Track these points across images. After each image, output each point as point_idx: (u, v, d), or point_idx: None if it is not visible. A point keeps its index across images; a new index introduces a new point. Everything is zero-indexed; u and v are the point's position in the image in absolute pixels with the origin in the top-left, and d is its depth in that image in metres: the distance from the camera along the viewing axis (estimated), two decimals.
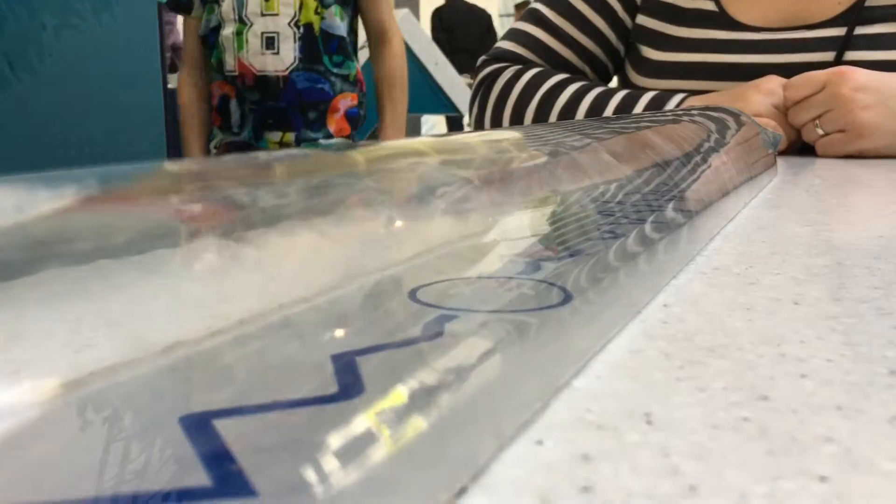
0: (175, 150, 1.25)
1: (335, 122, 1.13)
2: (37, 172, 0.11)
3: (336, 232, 0.15)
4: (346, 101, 1.14)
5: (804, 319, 0.18)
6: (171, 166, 0.14)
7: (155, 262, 0.11)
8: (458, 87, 2.48)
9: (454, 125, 2.34)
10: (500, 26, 4.60)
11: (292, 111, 1.10)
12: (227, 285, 0.12)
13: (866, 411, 0.13)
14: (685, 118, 0.46)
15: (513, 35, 0.87)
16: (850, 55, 0.71)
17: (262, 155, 0.15)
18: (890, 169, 0.58)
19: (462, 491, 0.10)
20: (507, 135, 0.25)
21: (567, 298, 0.16)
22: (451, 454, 0.11)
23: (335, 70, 1.13)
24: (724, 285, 0.21)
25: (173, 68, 1.83)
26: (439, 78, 2.45)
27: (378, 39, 1.18)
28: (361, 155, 0.18)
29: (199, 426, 0.09)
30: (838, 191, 0.47)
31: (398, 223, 0.16)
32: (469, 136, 0.23)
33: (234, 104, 1.12)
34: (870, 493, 0.10)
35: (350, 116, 1.15)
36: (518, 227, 0.20)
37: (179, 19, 1.23)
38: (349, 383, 0.11)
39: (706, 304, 0.19)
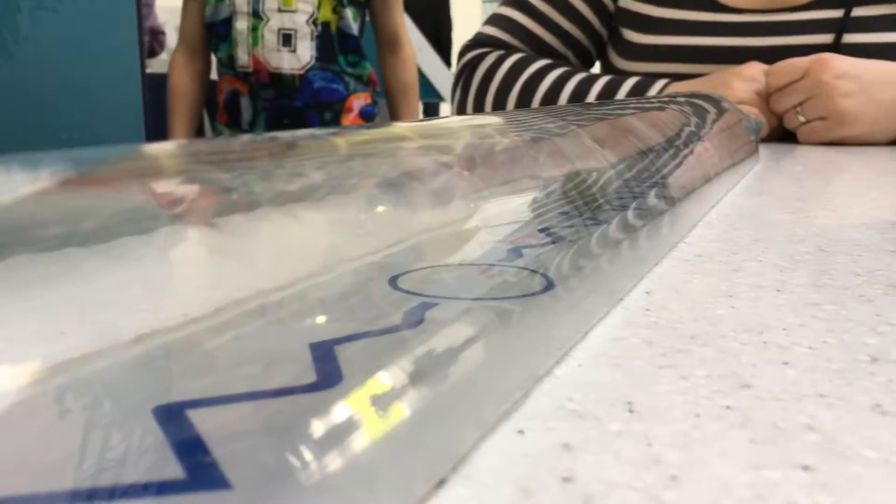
0: (154, 135, 1.23)
1: (349, 122, 1.12)
2: (9, 155, 0.10)
3: (315, 218, 0.14)
4: (360, 101, 1.13)
5: (787, 307, 0.18)
6: (147, 150, 0.13)
7: (128, 248, 0.11)
8: (441, 73, 2.47)
9: (431, 111, 2.33)
10: (483, 12, 4.58)
11: (308, 111, 1.09)
12: (203, 272, 0.12)
13: (849, 399, 0.13)
14: (668, 104, 0.46)
15: (495, 20, 0.87)
16: (848, 38, 0.71)
17: (240, 140, 0.15)
18: (870, 156, 0.59)
19: (442, 482, 0.10)
20: (489, 120, 0.25)
21: (549, 286, 0.16)
22: (431, 444, 0.11)
23: (350, 70, 1.12)
24: (706, 272, 0.21)
25: (151, 53, 1.81)
26: (423, 64, 2.44)
27: (390, 46, 1.17)
28: (342, 140, 0.18)
29: (172, 417, 0.09)
30: (820, 177, 0.47)
31: (378, 209, 0.16)
32: (450, 121, 0.23)
33: (245, 101, 1.11)
34: (853, 482, 0.10)
35: (365, 115, 1.14)
36: (500, 213, 0.19)
37: (157, 2, 1.21)
38: (327, 372, 0.10)
39: (689, 291, 0.19)
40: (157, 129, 1.16)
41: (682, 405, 0.12)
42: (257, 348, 0.11)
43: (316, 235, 0.14)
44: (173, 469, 0.08)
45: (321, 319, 0.12)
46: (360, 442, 0.10)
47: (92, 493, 0.08)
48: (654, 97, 0.52)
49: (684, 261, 0.23)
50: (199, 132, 1.22)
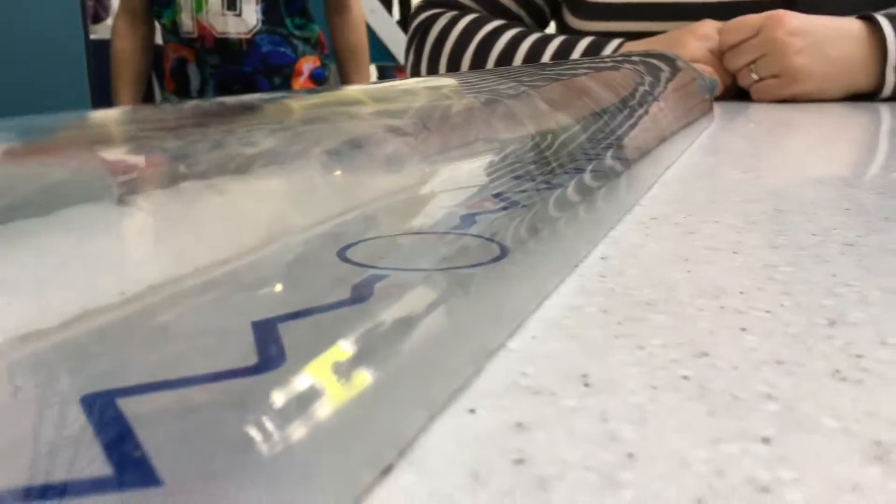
0: (100, 101, 1.20)
1: (299, 85, 1.10)
2: None
3: (261, 187, 0.14)
4: (309, 64, 1.11)
5: (743, 269, 0.18)
6: (89, 117, 0.12)
7: (66, 221, 0.10)
8: (396, 36, 2.43)
9: (386, 75, 2.30)
10: None
11: (257, 76, 1.06)
12: (141, 247, 0.11)
13: (807, 365, 0.12)
14: (621, 64, 0.45)
15: None
16: None
17: (187, 105, 0.14)
18: (822, 113, 0.59)
19: (388, 469, 0.10)
20: (442, 82, 0.24)
21: (503, 253, 0.16)
22: (377, 429, 0.10)
23: (297, 33, 1.09)
24: (662, 236, 0.21)
25: (96, 18, 1.75)
26: (377, 26, 2.40)
27: (337, 7, 1.14)
28: (294, 103, 0.17)
29: (102, 406, 0.08)
30: (774, 135, 0.47)
31: (327, 176, 0.15)
32: (403, 84, 0.22)
33: (192, 68, 1.07)
34: (814, 454, 0.10)
35: (315, 77, 1.12)
36: (452, 179, 0.19)
37: None
38: (270, 353, 0.10)
39: (644, 256, 0.19)
40: (103, 96, 1.13)
41: (637, 377, 0.12)
42: (197, 329, 0.10)
43: (261, 206, 0.13)
44: (100, 465, 0.08)
45: (264, 296, 0.11)
46: (299, 430, 0.09)
47: (7, 495, 0.07)
48: (608, 57, 0.51)
49: (640, 223, 0.22)
50: (147, 99, 1.19)
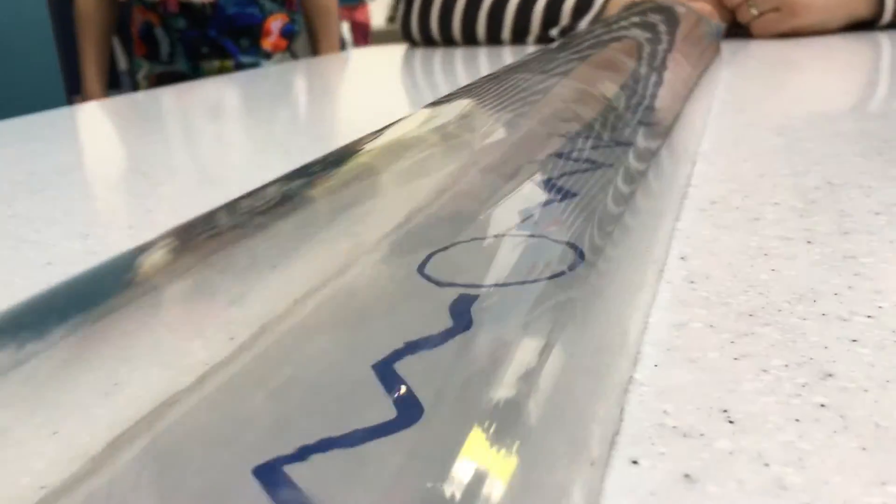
0: (66, 58, 1.17)
1: (270, 44, 1.08)
2: None
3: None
4: (278, 21, 1.08)
5: (824, 263, 0.18)
6: None
7: None
8: None
9: (352, 17, 2.24)
10: None
11: (224, 39, 1.04)
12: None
13: None
14: (629, 28, 0.45)
15: None
16: None
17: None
18: (826, 47, 0.59)
19: None
20: (464, 107, 0.24)
21: (580, 258, 0.16)
22: (547, 494, 0.11)
23: None
24: (729, 225, 0.21)
25: None
26: None
27: None
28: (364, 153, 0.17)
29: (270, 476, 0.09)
30: (791, 81, 0.47)
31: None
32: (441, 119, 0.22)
33: (160, 32, 1.05)
34: None
35: (287, 34, 1.10)
36: (512, 192, 0.19)
37: None
38: (405, 406, 0.10)
39: (721, 251, 0.19)
40: (70, 54, 1.10)
41: (776, 408, 0.12)
42: (322, 380, 0.10)
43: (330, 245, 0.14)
44: None
45: (366, 328, 0.12)
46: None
47: None
48: (614, 22, 0.51)
49: (702, 211, 0.23)
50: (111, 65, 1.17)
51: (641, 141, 0.25)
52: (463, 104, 0.21)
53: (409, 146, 0.18)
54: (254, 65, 1.06)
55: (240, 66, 1.06)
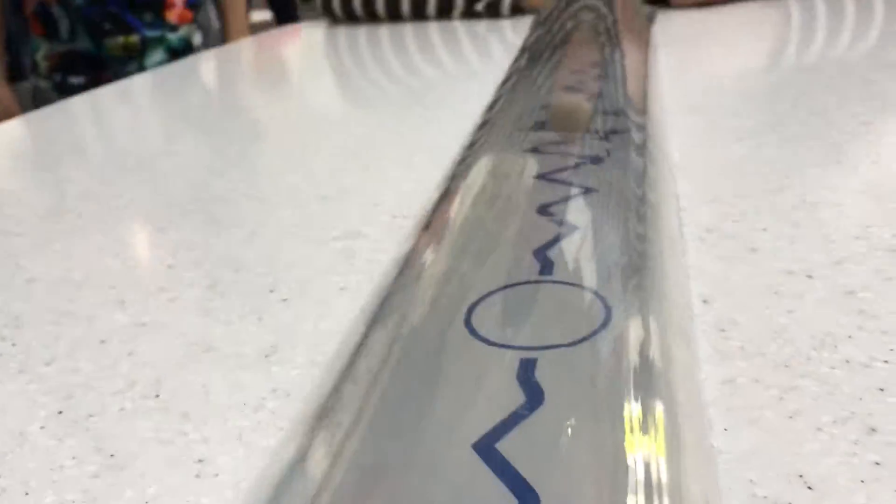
0: None
1: (175, 15, 1.04)
2: None
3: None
4: None
5: (830, 302, 0.21)
6: None
7: None
8: None
9: None
10: None
11: (126, 14, 1.00)
12: None
13: None
14: (577, 28, 0.47)
15: None
16: None
17: None
18: (742, 14, 0.62)
19: None
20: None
21: (608, 316, 0.17)
22: None
23: None
24: (732, 258, 0.24)
25: None
26: None
27: None
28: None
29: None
30: (727, 64, 0.50)
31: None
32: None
33: (57, 10, 1.00)
34: None
35: (191, 4, 1.06)
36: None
37: None
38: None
39: (738, 293, 0.22)
40: None
41: (841, 469, 0.15)
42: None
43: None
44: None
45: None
46: None
47: None
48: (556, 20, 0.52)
49: (701, 240, 0.25)
50: (8, 40, 1.11)
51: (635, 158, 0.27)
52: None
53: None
54: (160, 39, 1.03)
55: (145, 42, 1.02)
